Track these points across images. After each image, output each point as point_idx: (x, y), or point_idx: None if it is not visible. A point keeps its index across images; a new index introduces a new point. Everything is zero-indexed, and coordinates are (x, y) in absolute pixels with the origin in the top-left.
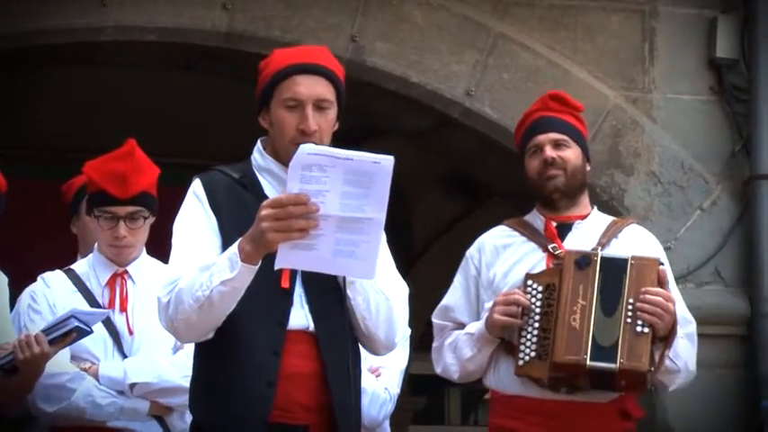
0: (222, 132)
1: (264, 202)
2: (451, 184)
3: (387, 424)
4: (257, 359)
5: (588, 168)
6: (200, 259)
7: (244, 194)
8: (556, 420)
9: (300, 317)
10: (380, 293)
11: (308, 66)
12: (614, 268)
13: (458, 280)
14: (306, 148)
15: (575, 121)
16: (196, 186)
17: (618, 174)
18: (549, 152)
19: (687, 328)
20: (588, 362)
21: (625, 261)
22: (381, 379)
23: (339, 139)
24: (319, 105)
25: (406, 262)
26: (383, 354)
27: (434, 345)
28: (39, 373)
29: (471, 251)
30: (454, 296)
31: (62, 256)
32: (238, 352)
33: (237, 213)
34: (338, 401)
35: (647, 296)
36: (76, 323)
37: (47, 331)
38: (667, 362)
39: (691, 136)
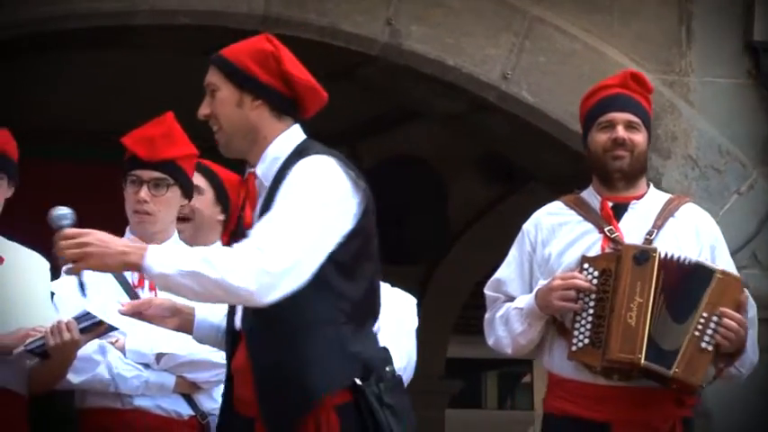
0: None
1: None
2: (487, 168)
3: None
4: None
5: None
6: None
7: None
8: (610, 405)
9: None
10: None
11: None
12: (695, 276)
13: (512, 254)
14: None
15: (647, 105)
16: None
17: (655, 157)
18: (622, 132)
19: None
20: (643, 361)
21: (711, 273)
22: None
23: (374, 123)
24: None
25: (443, 246)
26: None
27: (486, 316)
28: (70, 360)
29: (527, 226)
30: (508, 269)
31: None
32: None
33: None
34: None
35: (725, 320)
36: None
37: (79, 319)
38: (732, 370)
39: (728, 120)
